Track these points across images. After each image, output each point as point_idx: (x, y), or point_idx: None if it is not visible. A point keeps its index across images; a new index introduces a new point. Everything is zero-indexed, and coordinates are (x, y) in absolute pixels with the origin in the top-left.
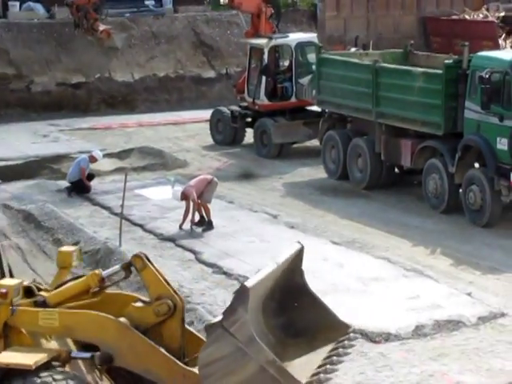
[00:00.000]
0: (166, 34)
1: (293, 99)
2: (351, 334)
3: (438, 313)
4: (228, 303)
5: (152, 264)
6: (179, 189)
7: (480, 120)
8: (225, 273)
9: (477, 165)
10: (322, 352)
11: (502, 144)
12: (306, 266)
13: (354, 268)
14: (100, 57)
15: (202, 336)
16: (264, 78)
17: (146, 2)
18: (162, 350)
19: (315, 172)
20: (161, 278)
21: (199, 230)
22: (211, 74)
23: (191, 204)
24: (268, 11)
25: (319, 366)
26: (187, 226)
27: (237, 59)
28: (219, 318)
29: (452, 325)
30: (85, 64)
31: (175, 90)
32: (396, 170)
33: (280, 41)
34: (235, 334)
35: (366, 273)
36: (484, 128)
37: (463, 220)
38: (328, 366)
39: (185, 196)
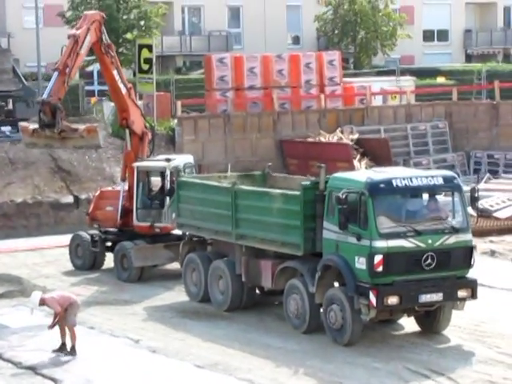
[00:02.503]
0: (23, 159)
1: None
2: None
3: None
4: None
5: None
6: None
7: (338, 240)
8: None
9: (337, 284)
10: None
11: (360, 263)
12: None
13: None
14: None
15: None
16: (168, 200)
17: (3, 129)
18: None
19: (177, 295)
20: None
21: (61, 356)
22: (69, 199)
23: (54, 311)
24: (149, 135)
25: None
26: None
27: (95, 183)
28: None
29: None
30: None
31: (33, 215)
32: (257, 290)
33: (175, 162)
34: None
35: None
36: (342, 248)
37: (325, 339)
38: None
39: (43, 302)
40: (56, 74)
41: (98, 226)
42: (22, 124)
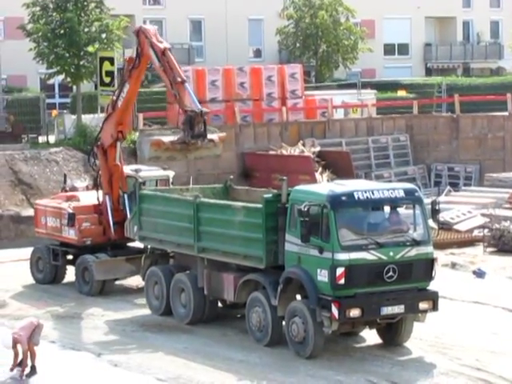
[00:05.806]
0: None
1: None
2: None
3: None
4: None
5: None
6: (7, 333)
7: (300, 252)
8: None
9: (299, 297)
10: None
11: (322, 276)
12: None
13: None
14: None
15: None
16: None
17: None
18: None
19: (138, 308)
20: None
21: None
22: (30, 212)
23: (20, 350)
24: None
25: None
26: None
27: None
28: None
29: None
30: None
31: None
32: (219, 303)
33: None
34: None
35: None
36: (304, 260)
37: (287, 352)
38: None
39: (15, 342)
40: (187, 85)
41: (90, 242)
42: (155, 138)
